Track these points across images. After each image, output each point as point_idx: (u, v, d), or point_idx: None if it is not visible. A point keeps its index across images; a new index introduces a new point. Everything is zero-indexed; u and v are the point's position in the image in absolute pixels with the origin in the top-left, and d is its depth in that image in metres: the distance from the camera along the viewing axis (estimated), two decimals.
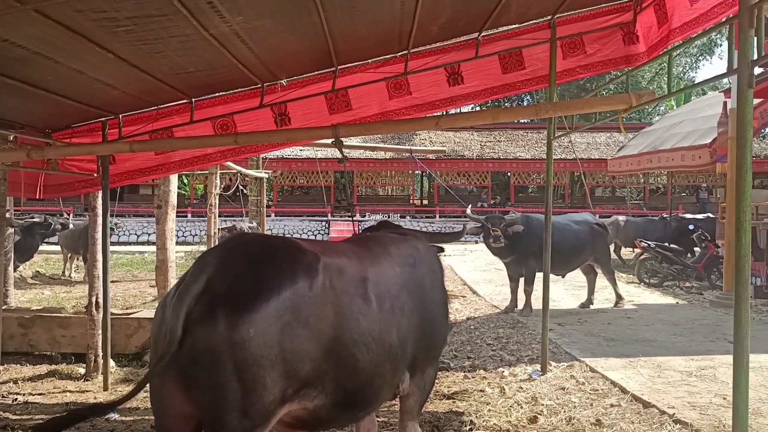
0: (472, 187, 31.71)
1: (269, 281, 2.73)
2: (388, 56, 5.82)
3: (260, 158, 16.82)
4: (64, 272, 15.29)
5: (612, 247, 14.98)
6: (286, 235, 6.24)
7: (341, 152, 4.53)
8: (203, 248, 19.86)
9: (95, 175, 6.08)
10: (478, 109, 16.93)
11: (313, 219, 28.34)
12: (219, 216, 11.51)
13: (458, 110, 15.01)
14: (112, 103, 5.47)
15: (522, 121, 32.24)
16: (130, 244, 24.20)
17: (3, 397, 5.71)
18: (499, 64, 6.04)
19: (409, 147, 16.94)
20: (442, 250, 4.17)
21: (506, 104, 29.93)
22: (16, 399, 5.76)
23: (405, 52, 5.71)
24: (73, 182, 6.22)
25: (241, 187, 15.89)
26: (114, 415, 5.29)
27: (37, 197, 5.84)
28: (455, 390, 5.83)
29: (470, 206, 11.24)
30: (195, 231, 25.08)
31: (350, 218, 28.23)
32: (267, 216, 18.83)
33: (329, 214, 28.59)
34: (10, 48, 3.71)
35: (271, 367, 2.64)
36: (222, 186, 12.10)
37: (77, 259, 15.16)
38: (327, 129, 4.57)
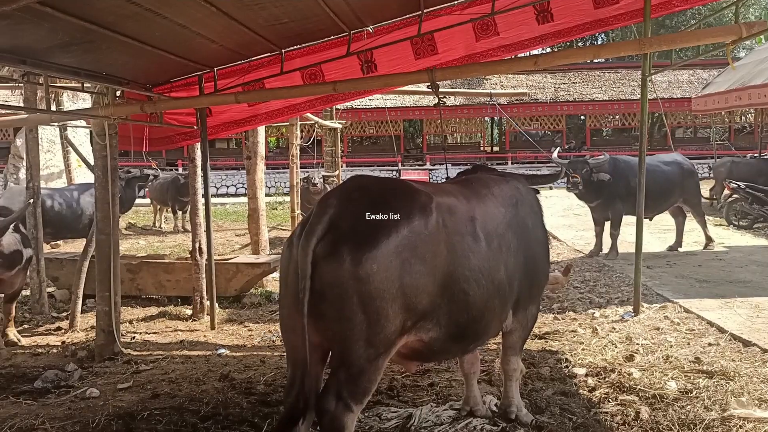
0: (544, 132, 30.94)
1: (388, 220, 2.87)
2: None
3: (333, 109, 16.97)
4: (154, 223, 16.11)
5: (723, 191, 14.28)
6: None
7: (437, 96, 4.56)
8: (283, 198, 20.45)
9: (194, 127, 6.36)
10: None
11: (383, 168, 28.50)
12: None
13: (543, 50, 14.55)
14: (209, 56, 5.68)
15: (597, 60, 30.91)
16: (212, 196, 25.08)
17: (122, 335, 6.21)
18: None
19: (488, 90, 16.60)
20: (538, 192, 4.19)
21: (579, 44, 28.72)
22: (134, 337, 6.27)
23: None
24: (174, 135, 6.56)
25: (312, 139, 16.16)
26: (224, 351, 5.70)
27: (143, 150, 6.20)
28: (546, 330, 5.92)
29: (557, 150, 11.01)
30: (271, 182, 25.77)
31: (420, 167, 28.30)
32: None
33: (399, 164, 28.66)
34: (125, 5, 3.90)
35: (392, 300, 2.81)
36: (302, 137, 12.34)
37: (166, 211, 15.92)
38: (423, 73, 4.61)
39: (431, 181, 24.99)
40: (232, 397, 4.49)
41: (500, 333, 3.80)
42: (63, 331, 6.55)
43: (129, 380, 4.97)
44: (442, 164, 27.65)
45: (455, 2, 5.78)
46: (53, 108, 8.51)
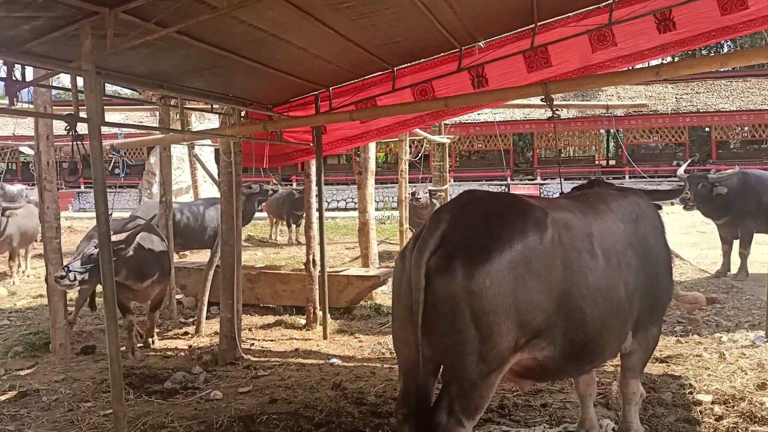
0: (665, 144, 29.31)
1: (502, 235, 2.85)
2: (591, 8, 5.59)
3: (442, 124, 17.02)
4: (270, 236, 16.86)
5: None
6: None
7: (552, 109, 4.49)
8: (391, 213, 20.74)
9: (310, 144, 6.64)
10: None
11: (491, 183, 28.16)
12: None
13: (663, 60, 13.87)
14: (325, 77, 5.93)
15: (723, 69, 28.92)
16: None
17: (242, 342, 6.54)
18: (718, 5, 5.52)
19: (605, 102, 16.00)
20: (660, 207, 3.99)
21: (702, 52, 27.03)
22: (253, 344, 6.60)
23: (609, 1, 5.45)
24: (291, 152, 6.88)
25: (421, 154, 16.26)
26: (336, 360, 5.86)
27: (265, 166, 6.56)
28: (668, 354, 5.59)
29: (684, 164, 10.40)
30: (379, 197, 26.23)
31: (531, 181, 27.69)
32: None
33: (508, 178, 28.20)
34: (251, 31, 4.18)
35: (505, 316, 2.78)
36: (411, 153, 12.50)
37: (281, 224, 16.62)
38: (537, 86, 4.55)
39: (543, 196, 24.34)
40: (344, 406, 4.61)
41: (619, 354, 3.65)
42: (190, 335, 7.01)
43: (249, 384, 5.24)
44: (554, 179, 26.93)
45: (570, 14, 5.67)
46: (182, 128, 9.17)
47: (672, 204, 19.45)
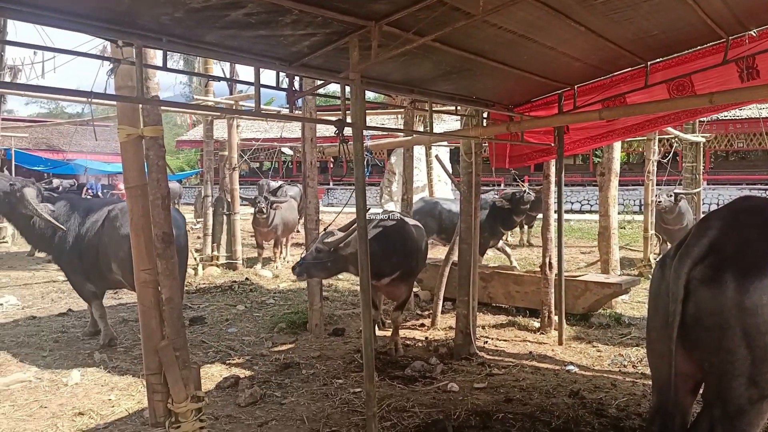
0: None
1: None
2: None
3: (696, 122, 15.46)
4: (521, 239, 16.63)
5: None
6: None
7: None
8: (632, 217, 19.43)
9: (551, 144, 6.52)
10: None
11: (753, 187, 24.78)
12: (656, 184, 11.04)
13: None
14: (570, 75, 5.77)
15: None
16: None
17: (476, 338, 6.68)
18: None
19: None
20: None
21: None
22: (486, 342, 6.69)
23: None
24: (531, 152, 6.82)
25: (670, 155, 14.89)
26: (573, 368, 5.69)
27: (506, 167, 6.60)
28: None
29: None
30: (618, 200, 24.67)
31: None
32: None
33: None
34: (501, 34, 4.24)
35: None
36: (660, 152, 11.58)
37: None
38: None
39: None
40: (582, 415, 4.47)
41: None
42: (426, 327, 7.35)
43: (484, 381, 5.33)
44: None
45: None
46: (430, 131, 9.63)
47: None
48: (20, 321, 7.64)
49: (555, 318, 6.84)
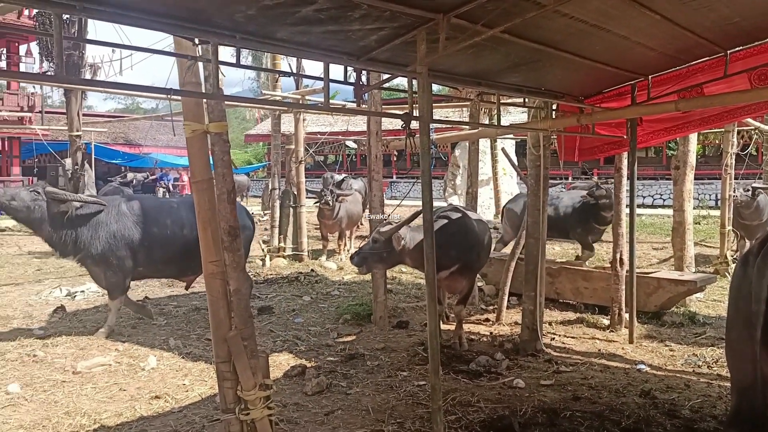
0: None
1: None
2: None
3: None
4: None
5: None
6: None
7: None
8: (707, 212, 18.62)
9: (624, 137, 6.33)
10: None
11: None
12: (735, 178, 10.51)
13: None
14: (644, 65, 5.57)
15: None
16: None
17: (543, 335, 6.57)
18: None
19: None
20: None
21: None
22: (553, 338, 6.58)
23: None
24: (601, 144, 6.64)
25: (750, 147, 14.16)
26: (644, 367, 5.53)
27: (575, 160, 6.45)
28: None
29: None
30: (694, 194, 23.67)
31: None
32: None
33: None
34: (572, 24, 4.13)
35: None
36: (739, 145, 11.04)
37: None
38: None
39: None
40: (654, 415, 4.34)
41: None
42: (490, 322, 7.29)
43: (551, 378, 5.25)
44: None
45: None
46: (498, 123, 9.50)
47: None
48: (100, 307, 8.03)
49: (625, 315, 6.65)
